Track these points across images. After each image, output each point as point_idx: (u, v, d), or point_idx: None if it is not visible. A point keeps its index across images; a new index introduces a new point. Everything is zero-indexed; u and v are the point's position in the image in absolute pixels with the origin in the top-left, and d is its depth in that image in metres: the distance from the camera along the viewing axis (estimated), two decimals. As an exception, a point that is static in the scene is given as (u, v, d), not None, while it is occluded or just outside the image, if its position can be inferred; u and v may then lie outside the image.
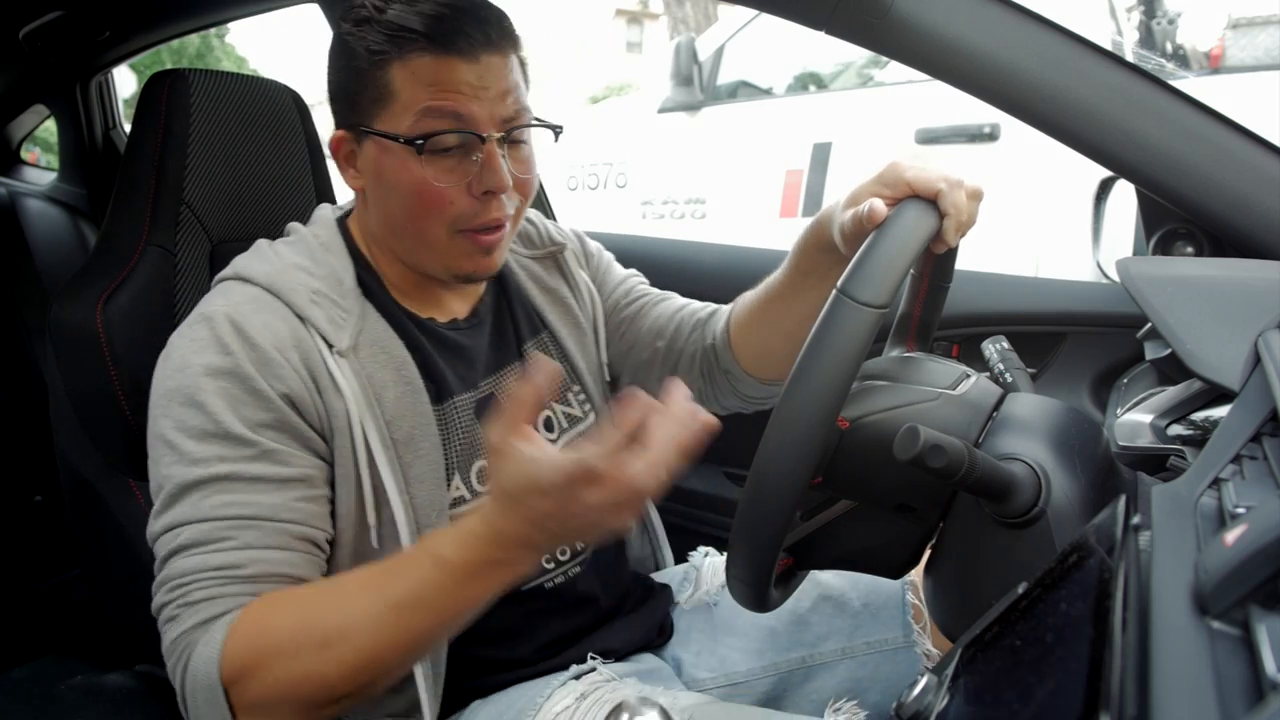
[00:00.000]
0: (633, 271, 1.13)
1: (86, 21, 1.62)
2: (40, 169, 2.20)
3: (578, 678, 0.89)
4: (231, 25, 2.07)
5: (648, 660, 0.99)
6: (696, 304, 1.07)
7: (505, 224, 0.85)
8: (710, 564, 1.09)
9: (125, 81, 2.20)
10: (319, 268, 0.85)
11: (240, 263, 0.85)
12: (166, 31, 1.77)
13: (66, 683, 0.91)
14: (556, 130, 0.88)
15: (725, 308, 1.05)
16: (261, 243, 0.88)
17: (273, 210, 1.09)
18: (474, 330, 0.94)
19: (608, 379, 1.06)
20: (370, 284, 0.88)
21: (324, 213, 0.92)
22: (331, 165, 1.01)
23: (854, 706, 0.88)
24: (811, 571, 1.00)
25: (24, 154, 2.17)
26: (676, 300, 1.08)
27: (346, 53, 0.82)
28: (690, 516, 1.53)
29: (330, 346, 0.80)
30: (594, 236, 1.64)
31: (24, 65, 1.71)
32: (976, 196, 0.75)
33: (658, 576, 1.12)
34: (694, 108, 3.50)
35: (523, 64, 0.86)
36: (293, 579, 0.75)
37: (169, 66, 1.10)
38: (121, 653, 0.99)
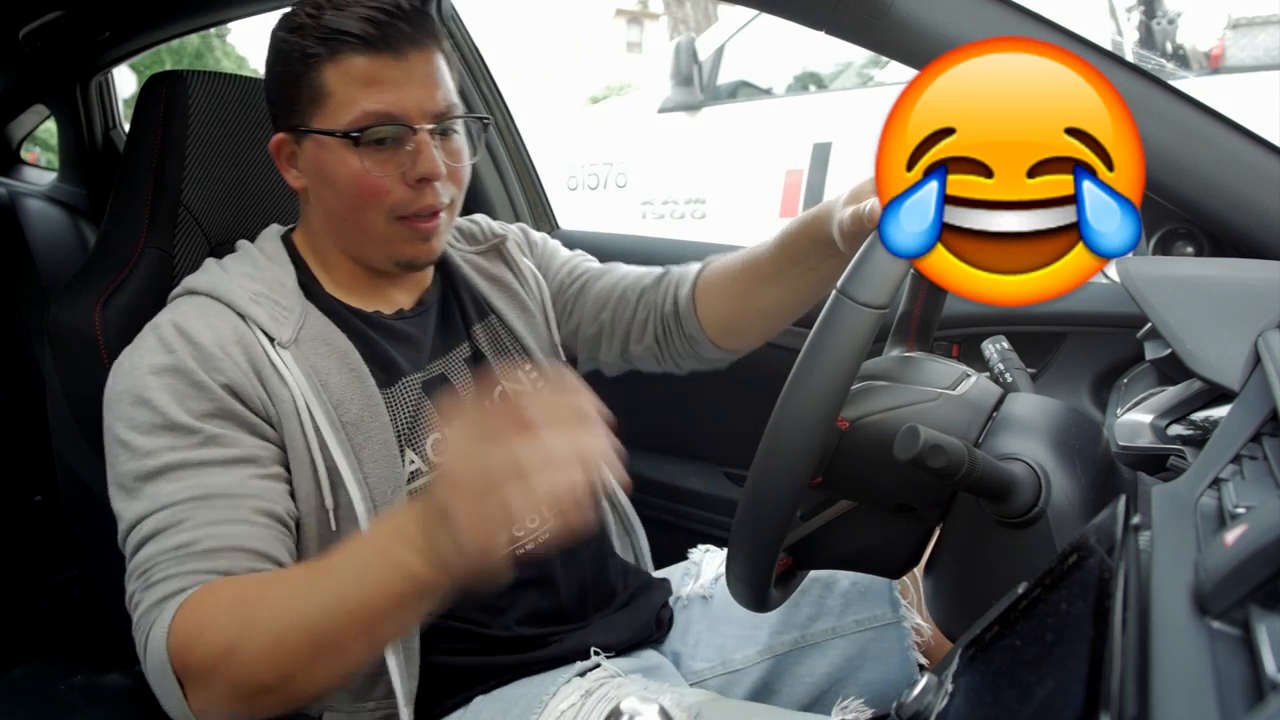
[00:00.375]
0: (578, 253, 1.16)
1: (86, 21, 1.62)
2: (40, 169, 2.20)
3: (582, 674, 0.89)
4: (231, 25, 2.07)
5: (649, 656, 0.99)
6: (640, 270, 1.09)
7: (441, 211, 0.90)
8: (709, 558, 1.10)
9: (125, 81, 2.20)
10: (261, 273, 0.90)
11: (187, 280, 0.90)
12: (166, 31, 1.77)
13: (66, 683, 0.91)
14: (485, 122, 0.94)
15: (681, 270, 1.06)
16: (209, 260, 0.93)
17: (270, 212, 1.09)
18: (420, 318, 0.98)
19: (563, 359, 1.09)
20: (311, 286, 0.92)
21: (271, 229, 0.97)
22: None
23: (860, 705, 0.89)
24: (814, 569, 1.01)
25: (24, 154, 2.17)
26: (619, 270, 1.10)
27: (281, 58, 0.88)
28: (690, 516, 1.53)
29: (272, 341, 0.84)
30: (594, 236, 1.64)
31: (24, 65, 1.71)
32: None
33: (663, 573, 1.13)
34: (694, 108, 3.50)
35: (448, 58, 0.91)
36: (255, 553, 0.75)
37: (169, 67, 1.10)
38: (121, 653, 0.99)
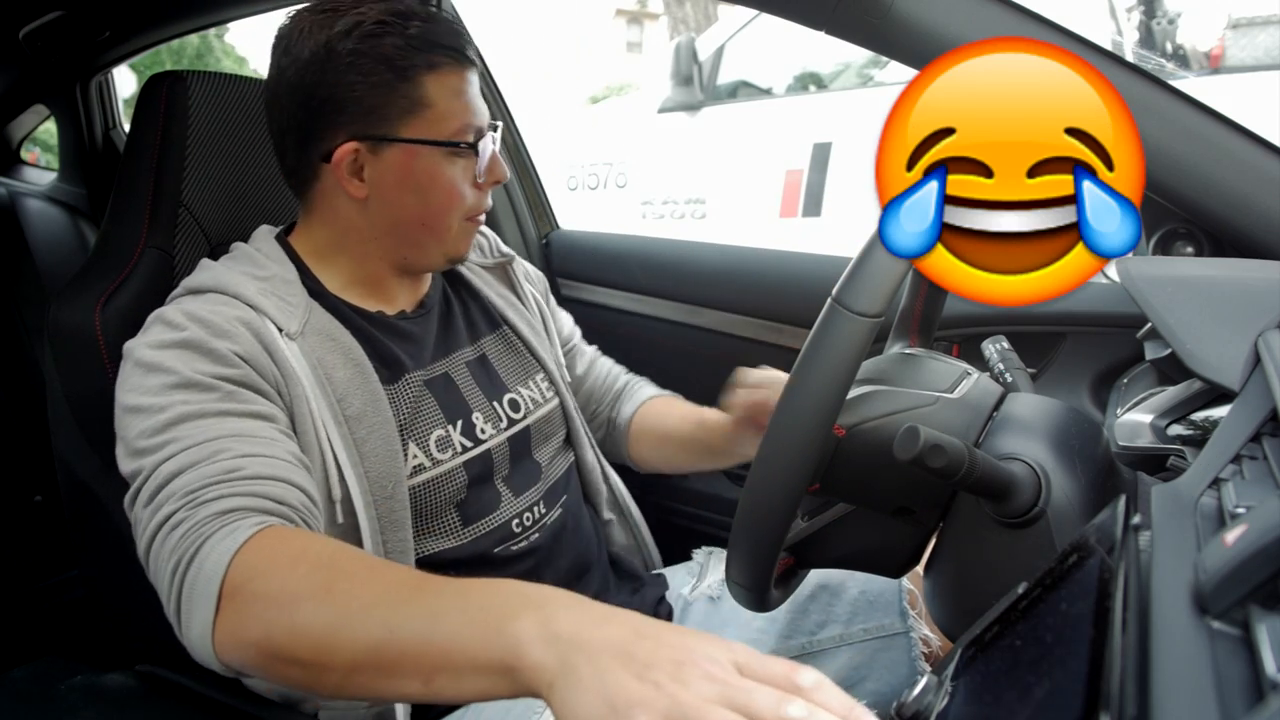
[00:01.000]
0: (576, 330, 1.25)
1: (86, 21, 1.62)
2: (40, 169, 2.20)
3: None
4: (231, 25, 2.07)
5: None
6: (617, 371, 1.24)
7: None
8: (714, 560, 1.10)
9: (125, 81, 2.19)
10: (263, 270, 0.90)
11: (186, 281, 0.89)
12: (166, 31, 1.77)
13: (66, 683, 0.91)
14: (496, 125, 0.97)
15: (636, 395, 1.20)
16: (205, 261, 0.93)
17: (270, 212, 1.09)
18: (422, 319, 0.99)
19: (567, 380, 1.12)
20: (313, 285, 0.93)
21: (262, 230, 0.98)
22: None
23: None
24: (814, 569, 1.01)
25: (24, 154, 2.17)
26: (603, 365, 1.23)
27: (360, 66, 0.85)
28: (690, 516, 1.53)
29: (280, 330, 0.84)
30: (594, 236, 1.64)
31: (24, 65, 1.71)
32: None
33: (665, 572, 1.13)
34: (694, 108, 3.50)
35: None
36: (294, 485, 0.73)
37: (169, 67, 1.10)
38: (121, 653, 0.99)
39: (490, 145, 0.92)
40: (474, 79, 0.91)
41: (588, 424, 1.17)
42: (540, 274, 1.22)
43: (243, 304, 0.84)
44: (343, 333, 0.89)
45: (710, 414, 1.08)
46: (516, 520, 0.97)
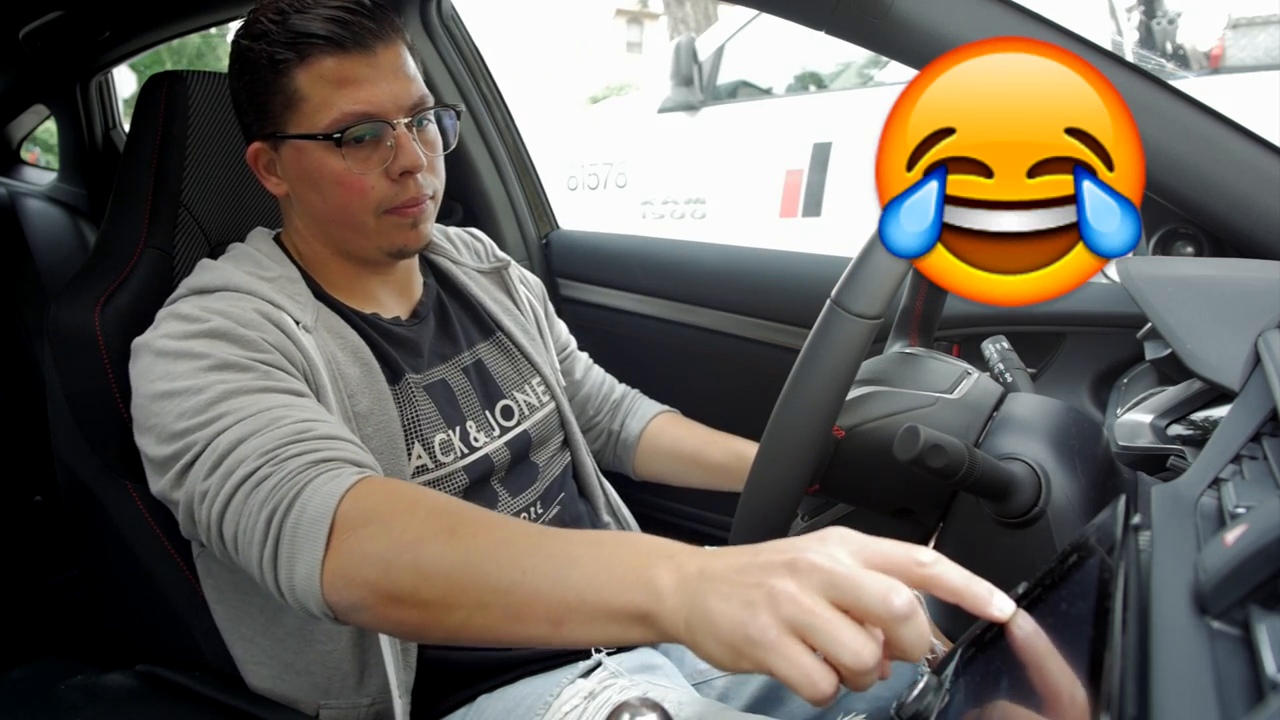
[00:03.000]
0: (571, 339, 1.24)
1: (86, 21, 1.62)
2: (40, 169, 2.20)
3: (586, 675, 0.89)
4: (231, 25, 2.06)
5: (649, 655, 0.99)
6: (611, 381, 1.25)
7: (425, 200, 0.90)
8: None
9: (125, 81, 2.20)
10: (269, 271, 0.90)
11: (188, 281, 0.89)
12: (166, 31, 1.77)
13: (66, 683, 0.91)
14: (458, 111, 0.94)
15: (641, 405, 1.21)
16: (205, 261, 0.93)
17: (271, 212, 1.08)
18: (418, 326, 0.99)
19: (562, 384, 1.12)
20: (314, 288, 0.92)
21: (258, 231, 0.98)
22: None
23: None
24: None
25: (24, 154, 2.17)
26: (596, 373, 1.24)
27: (248, 66, 0.87)
28: (690, 516, 1.53)
29: (297, 323, 0.84)
30: (594, 236, 1.64)
31: (24, 65, 1.71)
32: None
33: None
34: (694, 108, 3.50)
35: (412, 51, 0.91)
36: (357, 445, 0.74)
37: (169, 67, 1.10)
38: (121, 653, 0.99)
39: (405, 131, 0.85)
40: (366, 61, 0.84)
41: (585, 432, 1.17)
42: (539, 282, 1.22)
43: (258, 298, 0.84)
44: (349, 331, 0.90)
45: (743, 446, 1.10)
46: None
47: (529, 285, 1.19)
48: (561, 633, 0.55)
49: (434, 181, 0.91)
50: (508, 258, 1.15)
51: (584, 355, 1.25)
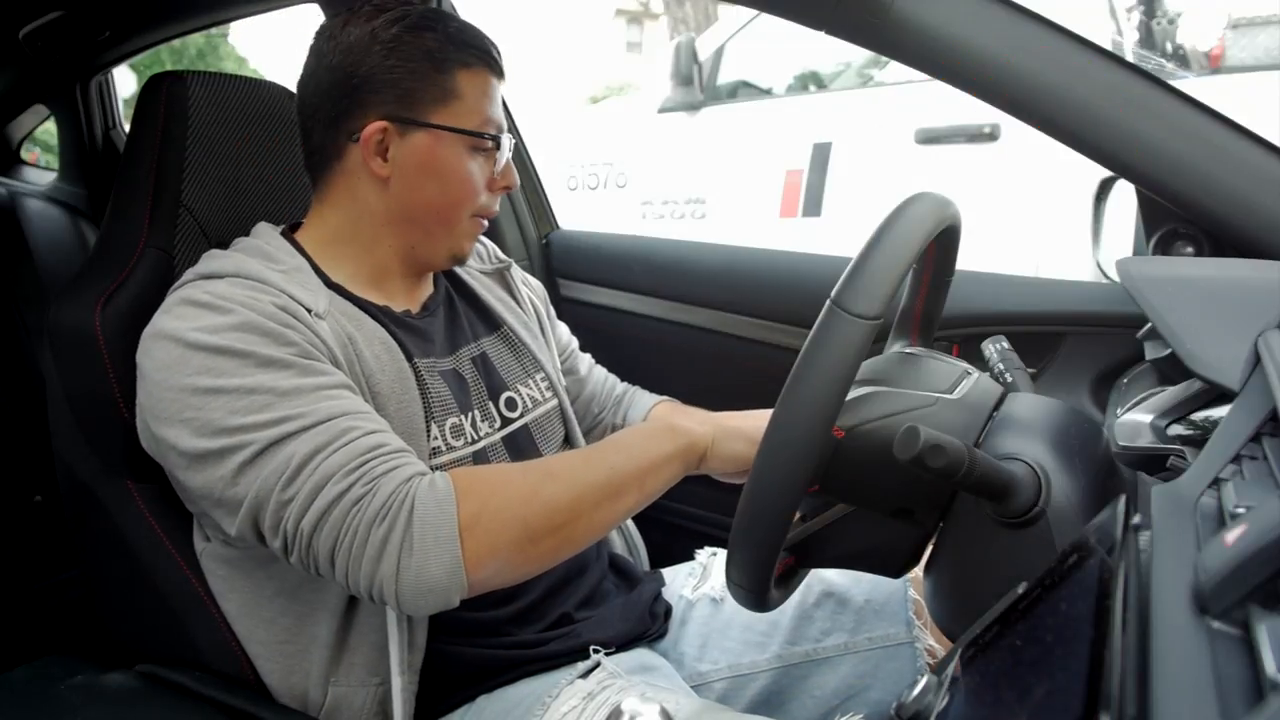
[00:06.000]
0: (573, 340, 1.25)
1: (86, 21, 1.62)
2: (40, 169, 2.20)
3: (584, 676, 0.89)
4: (231, 25, 2.07)
5: (648, 656, 0.99)
6: (613, 379, 1.26)
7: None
8: (718, 561, 1.10)
9: (125, 81, 2.20)
10: (277, 262, 0.90)
11: (198, 267, 0.88)
12: (166, 31, 1.77)
13: (66, 683, 0.91)
14: (511, 137, 1.01)
15: (641, 399, 1.21)
16: (214, 250, 0.92)
17: (271, 213, 1.09)
18: (427, 319, 1.00)
19: (563, 383, 1.13)
20: (324, 279, 0.93)
21: (264, 226, 0.97)
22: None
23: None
24: (815, 569, 1.01)
25: (24, 154, 2.17)
26: (595, 374, 1.25)
27: (401, 52, 0.90)
28: (690, 516, 1.53)
29: (309, 310, 0.85)
30: (594, 236, 1.65)
31: (24, 65, 1.71)
32: None
33: (666, 573, 1.13)
34: (694, 108, 3.50)
35: None
36: (412, 451, 0.81)
37: (169, 67, 1.10)
38: (121, 653, 0.99)
39: (508, 149, 0.96)
40: (499, 86, 0.96)
41: (589, 431, 1.19)
42: (540, 285, 1.23)
43: (270, 288, 0.84)
44: (363, 317, 0.91)
45: None
46: None
47: (530, 287, 1.20)
48: (646, 490, 0.84)
49: None
50: (509, 259, 1.17)
51: (586, 356, 1.26)
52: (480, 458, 0.95)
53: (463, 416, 0.95)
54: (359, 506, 0.74)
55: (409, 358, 0.92)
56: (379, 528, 0.73)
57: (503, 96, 0.98)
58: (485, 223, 0.99)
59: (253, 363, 0.77)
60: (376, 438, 0.77)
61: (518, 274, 1.17)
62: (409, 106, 0.91)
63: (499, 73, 0.95)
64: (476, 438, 0.96)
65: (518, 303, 1.14)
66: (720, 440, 0.91)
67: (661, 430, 0.88)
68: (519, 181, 1.00)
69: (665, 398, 1.22)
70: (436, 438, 0.91)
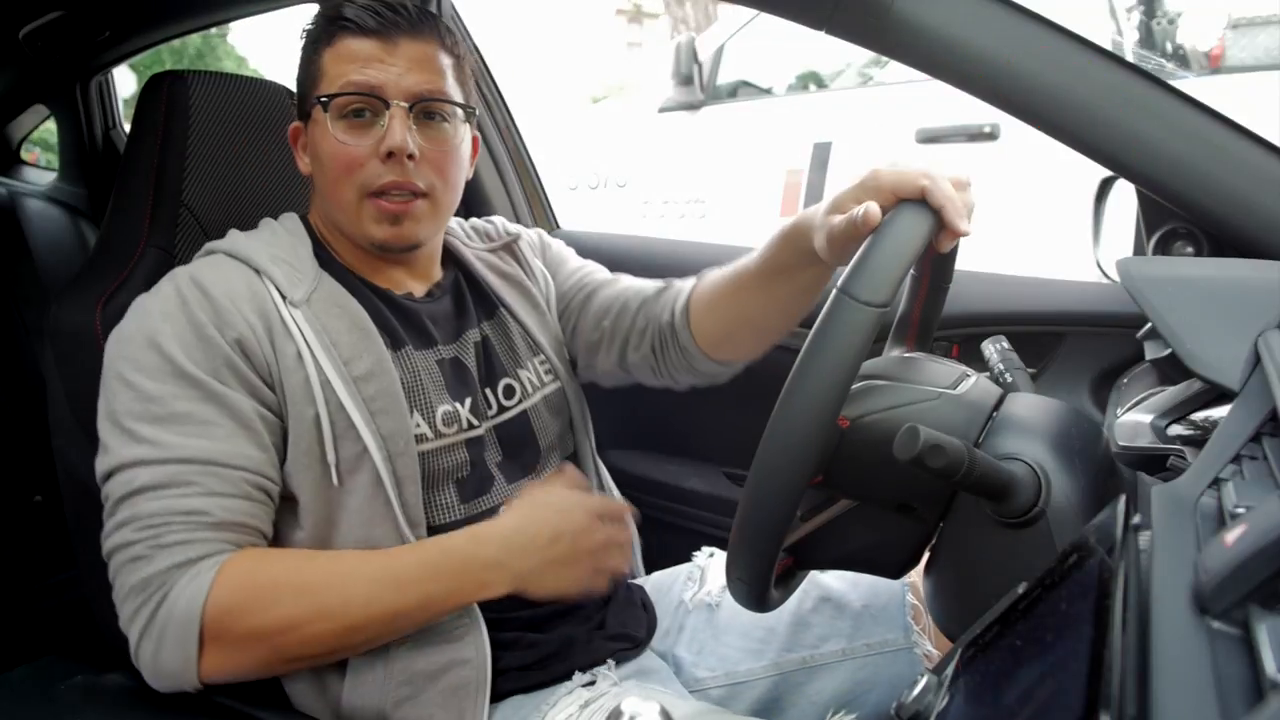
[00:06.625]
0: (587, 262, 1.18)
1: (86, 21, 1.62)
2: (40, 169, 2.20)
3: (585, 685, 0.89)
4: (232, 25, 2.07)
5: (650, 659, 0.99)
6: (643, 282, 1.11)
7: (418, 198, 0.91)
8: (715, 564, 1.09)
9: (125, 81, 2.20)
10: (279, 240, 0.93)
11: (208, 245, 0.94)
12: (166, 31, 1.77)
13: (66, 683, 0.91)
14: (468, 110, 0.95)
15: (681, 284, 1.07)
16: (231, 231, 0.96)
17: (272, 212, 1.08)
18: (432, 303, 1.00)
19: (569, 359, 1.11)
20: (327, 257, 0.95)
21: (289, 215, 1.00)
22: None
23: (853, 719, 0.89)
24: (813, 573, 1.00)
25: (24, 154, 2.17)
26: (624, 280, 1.13)
27: (303, 50, 0.94)
28: (690, 516, 1.53)
29: (285, 298, 0.87)
30: (594, 236, 1.64)
31: (24, 65, 1.71)
32: (963, 185, 0.74)
33: (662, 574, 1.12)
34: (694, 107, 3.50)
35: (458, 60, 0.95)
36: (257, 531, 0.81)
37: (169, 67, 1.10)
38: (121, 653, 0.99)
39: (400, 113, 0.87)
40: (383, 47, 0.88)
41: (635, 343, 1.07)
42: (534, 233, 1.18)
43: (250, 269, 0.87)
44: (350, 301, 0.90)
45: (770, 234, 0.95)
46: (505, 506, 0.95)
47: (534, 246, 1.15)
48: (436, 618, 0.83)
49: (431, 178, 0.91)
50: (518, 230, 1.13)
51: (609, 275, 1.15)
52: (475, 445, 0.94)
53: (458, 404, 0.94)
54: (134, 565, 0.77)
55: (397, 345, 0.92)
56: (135, 598, 0.77)
57: (406, 53, 0.89)
58: (407, 207, 0.90)
59: (167, 370, 0.80)
60: (200, 501, 0.78)
61: (526, 247, 1.13)
62: (302, 99, 0.94)
63: (379, 31, 0.88)
64: (474, 423, 0.95)
65: (529, 275, 1.10)
66: (530, 578, 0.84)
67: (468, 591, 0.83)
68: (406, 144, 0.87)
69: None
70: (419, 425, 0.90)
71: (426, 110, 0.90)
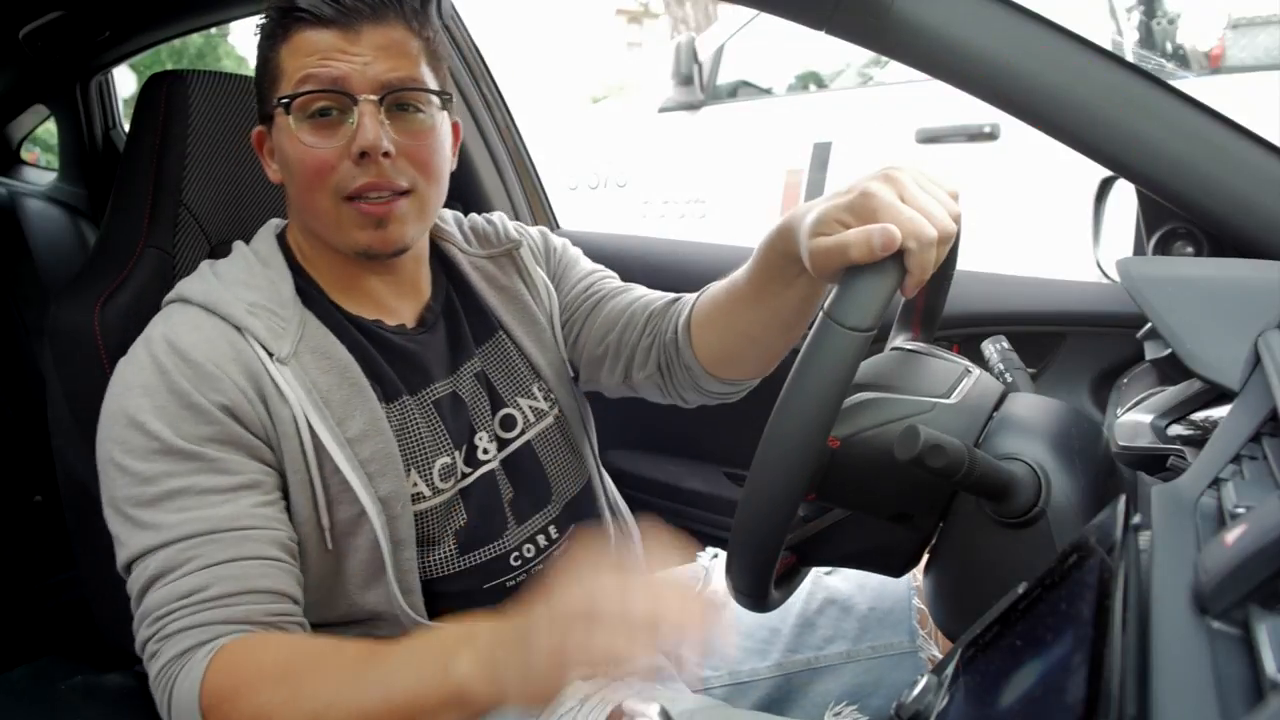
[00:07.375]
0: (598, 268, 1.10)
1: (86, 21, 1.62)
2: (40, 169, 2.20)
3: (584, 684, 0.88)
4: (231, 25, 2.07)
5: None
6: (654, 295, 1.03)
7: (400, 197, 0.84)
8: (717, 565, 1.09)
9: (125, 81, 2.20)
10: (256, 280, 0.86)
11: (181, 286, 0.87)
12: (166, 31, 1.77)
13: (66, 683, 0.91)
14: (444, 97, 0.87)
15: (688, 297, 1.00)
16: (204, 263, 0.90)
17: (271, 212, 1.08)
18: (424, 336, 0.93)
19: (571, 375, 1.05)
20: (310, 291, 0.88)
21: (269, 225, 0.94)
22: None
23: (854, 711, 0.89)
24: (820, 576, 1.01)
25: (24, 154, 2.17)
26: (634, 292, 1.04)
27: (258, 53, 0.86)
28: (691, 516, 1.53)
29: (271, 355, 0.81)
30: (594, 236, 1.63)
31: (24, 65, 1.71)
32: (947, 241, 0.67)
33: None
34: (694, 107, 3.50)
35: (428, 41, 0.86)
36: (270, 592, 0.76)
37: (169, 67, 1.10)
38: (121, 653, 0.99)
39: (370, 109, 0.80)
40: (345, 37, 0.81)
41: (640, 360, 1.00)
42: (537, 233, 1.09)
43: (229, 326, 0.81)
44: (338, 349, 0.85)
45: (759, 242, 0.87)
46: (516, 553, 0.93)
47: (537, 253, 1.06)
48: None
49: (412, 174, 0.84)
50: (519, 237, 1.03)
51: (615, 285, 1.07)
52: (472, 491, 0.91)
53: (456, 453, 0.90)
54: (152, 662, 0.75)
55: (391, 396, 0.87)
56: (156, 692, 0.75)
57: (398, 42, 0.82)
58: (389, 208, 0.83)
59: (155, 449, 0.77)
60: (196, 579, 0.74)
61: (527, 255, 1.04)
62: (261, 102, 0.87)
63: (338, 20, 0.80)
64: (468, 472, 0.91)
65: (529, 287, 1.02)
66: (513, 698, 0.62)
67: (436, 676, 0.64)
68: (373, 141, 0.80)
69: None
70: (417, 483, 0.87)
71: (398, 101, 0.82)
